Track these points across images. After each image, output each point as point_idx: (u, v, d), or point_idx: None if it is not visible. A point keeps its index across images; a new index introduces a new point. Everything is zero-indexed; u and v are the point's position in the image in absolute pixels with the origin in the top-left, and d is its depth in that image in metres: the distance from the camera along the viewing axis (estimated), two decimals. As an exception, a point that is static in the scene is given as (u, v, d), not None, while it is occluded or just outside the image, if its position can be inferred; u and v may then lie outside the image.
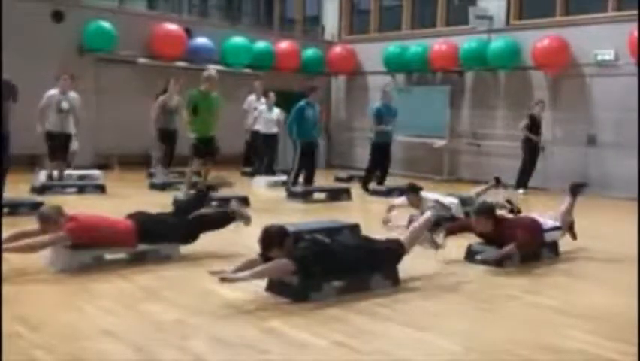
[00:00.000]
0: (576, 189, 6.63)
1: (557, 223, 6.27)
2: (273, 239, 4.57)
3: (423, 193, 7.63)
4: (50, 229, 5.09)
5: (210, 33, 14.18)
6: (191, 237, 5.77)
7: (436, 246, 5.50)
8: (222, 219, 6.06)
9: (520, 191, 11.31)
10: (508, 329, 4.11)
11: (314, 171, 10.34)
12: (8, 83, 7.39)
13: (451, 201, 7.65)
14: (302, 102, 10.05)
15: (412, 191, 7.65)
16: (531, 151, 11.67)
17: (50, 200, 8.03)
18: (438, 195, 7.82)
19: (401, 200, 7.87)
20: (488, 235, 5.93)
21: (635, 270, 5.52)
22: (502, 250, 5.69)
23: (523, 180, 11.62)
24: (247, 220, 6.07)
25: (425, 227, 5.39)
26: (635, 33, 10.87)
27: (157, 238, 5.54)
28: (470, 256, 5.90)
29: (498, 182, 8.80)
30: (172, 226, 5.69)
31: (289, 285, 4.52)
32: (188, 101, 9.08)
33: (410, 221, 7.58)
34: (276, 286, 4.60)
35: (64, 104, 9.49)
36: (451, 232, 6.00)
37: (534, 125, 11.60)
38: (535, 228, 6.01)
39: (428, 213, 5.48)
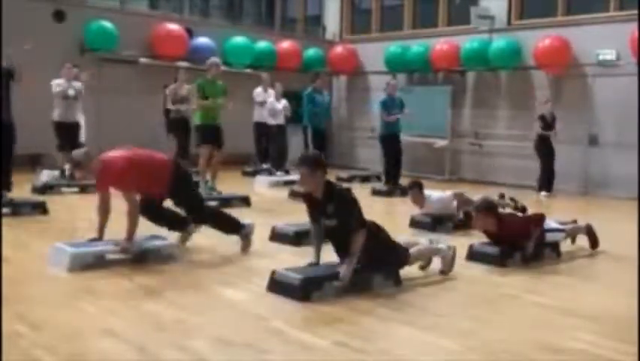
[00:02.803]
0: (591, 233, 6.57)
1: (561, 226, 6.29)
2: (309, 162, 4.68)
3: (426, 191, 7.62)
4: (83, 173, 5.45)
5: (212, 33, 14.19)
6: (201, 217, 5.85)
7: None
8: (232, 224, 5.97)
9: (543, 194, 11.24)
10: (510, 328, 4.11)
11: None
12: (7, 68, 7.48)
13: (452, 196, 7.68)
14: (308, 89, 10.14)
15: (415, 188, 7.59)
16: (549, 150, 11.50)
17: (52, 200, 8.06)
18: (441, 192, 7.82)
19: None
20: (493, 233, 5.93)
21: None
22: (527, 248, 5.81)
23: (545, 183, 11.37)
24: (246, 247, 5.94)
25: (432, 254, 5.40)
26: (636, 33, 10.86)
27: (182, 197, 5.72)
28: (471, 255, 5.92)
29: (502, 197, 8.67)
30: (196, 196, 5.99)
31: (291, 285, 4.52)
32: (197, 89, 9.15)
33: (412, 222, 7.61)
34: (277, 286, 4.60)
35: (71, 92, 9.64)
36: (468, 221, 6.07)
37: (546, 125, 11.50)
38: (539, 220, 6.05)
39: (440, 246, 5.42)
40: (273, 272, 4.68)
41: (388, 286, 4.86)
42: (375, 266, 4.83)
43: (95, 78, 10.15)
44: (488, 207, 5.95)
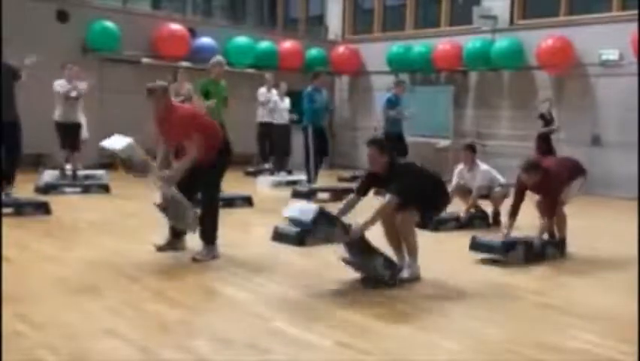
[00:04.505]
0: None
1: None
2: (379, 147, 4.96)
3: (478, 162, 7.98)
4: (154, 104, 5.73)
5: (214, 33, 14.19)
6: (210, 200, 5.79)
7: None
8: (214, 233, 5.74)
9: None
10: (512, 328, 4.11)
11: (327, 154, 10.52)
12: (8, 66, 7.50)
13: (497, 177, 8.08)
14: (308, 88, 10.16)
15: (469, 148, 8.01)
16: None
17: (55, 200, 8.07)
18: (490, 167, 8.15)
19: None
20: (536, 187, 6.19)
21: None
22: (541, 229, 6.06)
23: None
24: (199, 258, 5.56)
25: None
26: (637, 33, 10.84)
27: (216, 170, 5.77)
28: (474, 246, 5.97)
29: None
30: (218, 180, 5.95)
31: (288, 234, 4.95)
32: (200, 88, 9.14)
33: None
34: (277, 234, 5.12)
35: (73, 93, 9.66)
36: (514, 213, 6.10)
37: (546, 123, 11.49)
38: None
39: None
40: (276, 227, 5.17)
41: (389, 286, 4.86)
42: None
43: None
44: (533, 167, 6.06)
